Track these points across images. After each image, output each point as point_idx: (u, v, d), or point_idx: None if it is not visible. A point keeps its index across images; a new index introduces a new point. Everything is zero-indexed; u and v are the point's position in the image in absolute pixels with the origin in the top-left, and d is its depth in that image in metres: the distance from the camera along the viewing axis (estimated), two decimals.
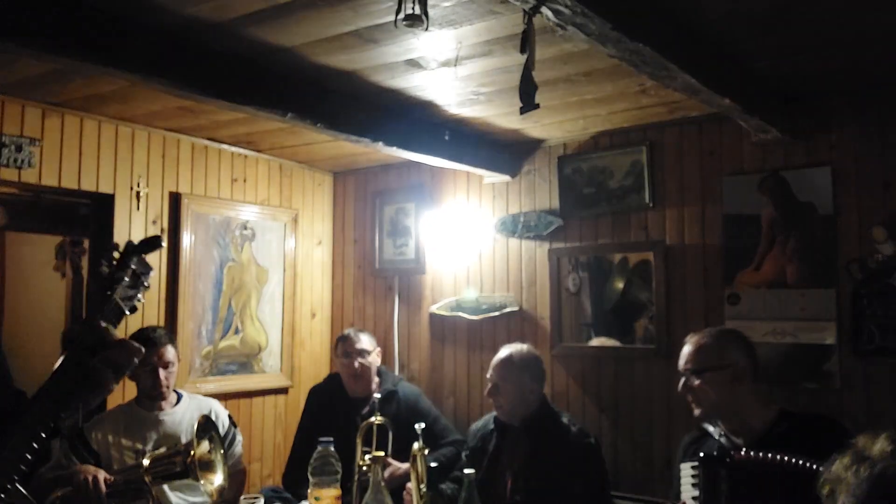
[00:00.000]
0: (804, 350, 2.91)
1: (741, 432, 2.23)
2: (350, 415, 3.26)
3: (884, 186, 2.80)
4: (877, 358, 2.77)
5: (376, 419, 2.76)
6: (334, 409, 3.33)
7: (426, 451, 2.54)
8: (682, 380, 2.32)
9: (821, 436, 2.12)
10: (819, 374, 2.87)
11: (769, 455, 1.98)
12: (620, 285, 3.39)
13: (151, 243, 1.52)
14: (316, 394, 3.53)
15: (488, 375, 2.92)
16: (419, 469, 2.51)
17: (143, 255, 1.50)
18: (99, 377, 1.39)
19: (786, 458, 1.94)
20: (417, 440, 2.53)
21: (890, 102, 2.81)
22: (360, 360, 3.32)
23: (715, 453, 2.11)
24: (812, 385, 2.88)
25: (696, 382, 2.27)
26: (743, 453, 2.04)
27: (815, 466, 1.90)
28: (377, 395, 2.97)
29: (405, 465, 2.88)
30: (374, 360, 3.40)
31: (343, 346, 3.38)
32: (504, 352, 2.93)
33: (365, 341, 3.37)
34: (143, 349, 1.49)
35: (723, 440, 2.27)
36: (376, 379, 3.40)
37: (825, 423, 2.22)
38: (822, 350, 2.88)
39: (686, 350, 2.35)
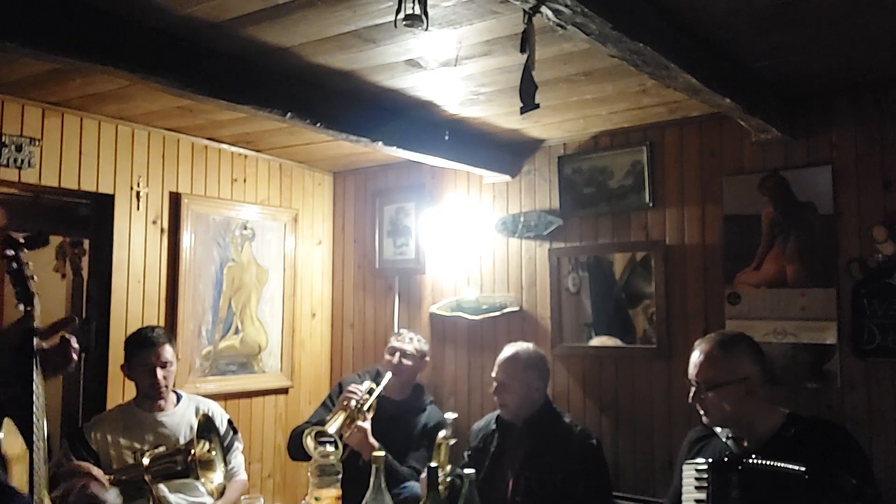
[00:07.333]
0: (804, 350, 2.91)
1: (749, 437, 2.23)
2: (407, 421, 3.27)
3: (884, 186, 2.80)
4: (877, 358, 2.77)
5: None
6: (383, 411, 3.20)
7: (451, 442, 2.59)
8: (693, 390, 2.27)
9: (827, 442, 2.12)
10: (819, 374, 2.87)
11: (780, 463, 1.98)
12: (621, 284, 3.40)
13: (37, 240, 1.67)
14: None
15: (493, 374, 2.91)
16: (441, 457, 2.56)
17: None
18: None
19: (796, 467, 1.95)
20: (444, 429, 2.60)
21: (890, 102, 2.81)
22: (402, 359, 3.34)
23: (726, 459, 2.10)
24: (812, 385, 2.88)
25: (709, 395, 2.23)
26: (753, 460, 2.04)
27: (825, 476, 1.91)
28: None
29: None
30: (415, 366, 3.41)
31: (391, 343, 3.44)
32: (510, 350, 2.93)
33: (412, 344, 3.40)
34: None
35: (729, 442, 2.26)
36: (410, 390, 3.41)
37: (831, 430, 2.21)
38: (822, 350, 2.87)
39: (696, 359, 2.29)
